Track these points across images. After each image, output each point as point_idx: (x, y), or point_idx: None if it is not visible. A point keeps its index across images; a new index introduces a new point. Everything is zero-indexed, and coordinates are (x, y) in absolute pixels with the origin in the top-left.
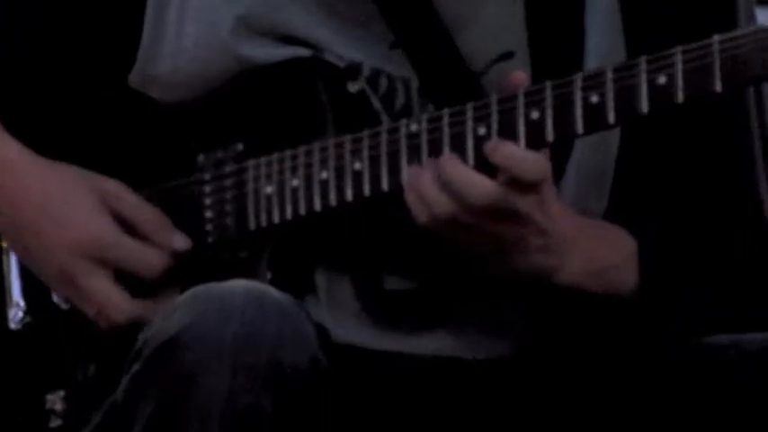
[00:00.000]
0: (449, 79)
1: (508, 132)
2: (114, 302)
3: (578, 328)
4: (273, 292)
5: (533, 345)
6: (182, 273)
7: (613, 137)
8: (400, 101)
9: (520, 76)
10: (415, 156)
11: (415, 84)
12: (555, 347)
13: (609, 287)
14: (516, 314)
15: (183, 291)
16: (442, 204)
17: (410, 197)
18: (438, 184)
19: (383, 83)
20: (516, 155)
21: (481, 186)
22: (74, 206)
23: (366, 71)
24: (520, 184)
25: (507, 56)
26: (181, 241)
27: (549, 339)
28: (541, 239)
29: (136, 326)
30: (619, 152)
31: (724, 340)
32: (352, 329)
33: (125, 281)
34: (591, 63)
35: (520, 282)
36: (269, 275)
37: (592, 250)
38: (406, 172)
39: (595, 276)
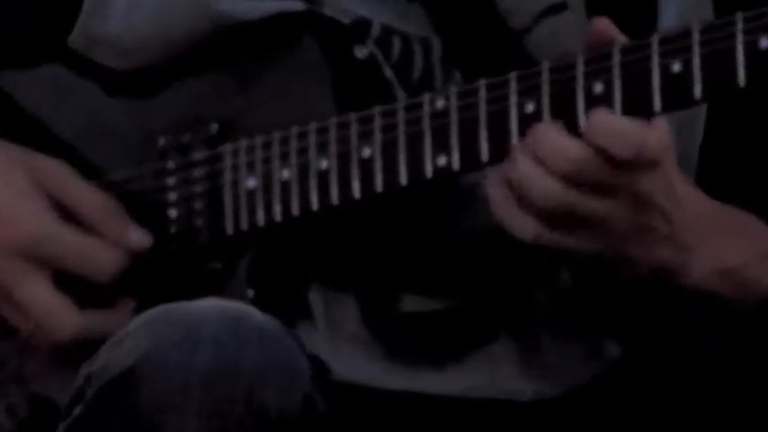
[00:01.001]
0: (481, 40)
1: (564, 110)
2: (55, 314)
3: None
4: (255, 314)
5: (593, 384)
6: (140, 282)
7: (699, 116)
8: (418, 69)
9: (604, 25)
10: (442, 140)
11: (437, 46)
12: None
13: (741, 290)
14: (573, 348)
15: (140, 310)
16: (554, 194)
17: (500, 196)
18: (540, 168)
19: (397, 45)
20: (616, 128)
21: (578, 154)
22: (1, 191)
23: (376, 30)
24: (629, 162)
25: (558, 8)
26: (138, 236)
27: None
28: (667, 228)
29: (82, 349)
30: (705, 135)
31: None
32: (356, 363)
33: (68, 288)
34: (667, 20)
35: (637, 287)
36: (250, 293)
37: (724, 244)
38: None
39: (727, 276)
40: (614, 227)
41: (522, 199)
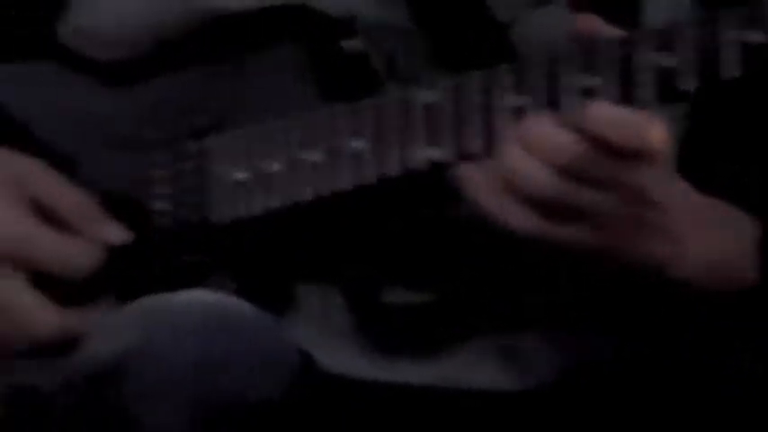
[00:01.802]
0: (468, 33)
1: (553, 104)
2: (33, 313)
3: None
4: (241, 305)
5: (572, 377)
6: (121, 277)
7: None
8: (406, 62)
9: (589, 20)
10: (433, 132)
11: (424, 39)
12: (599, 377)
13: (726, 283)
14: (551, 338)
15: (122, 303)
16: (549, 186)
17: (487, 187)
18: (535, 160)
19: (385, 39)
20: (612, 117)
21: (595, 154)
22: None
23: (363, 23)
24: (624, 153)
25: (543, 0)
26: (116, 233)
27: (600, 364)
28: (661, 220)
29: (62, 346)
30: (689, 127)
31: None
32: (343, 355)
33: (46, 286)
34: (653, 13)
35: (626, 278)
36: (235, 285)
37: (711, 237)
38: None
39: (713, 269)
40: (609, 219)
41: (514, 191)
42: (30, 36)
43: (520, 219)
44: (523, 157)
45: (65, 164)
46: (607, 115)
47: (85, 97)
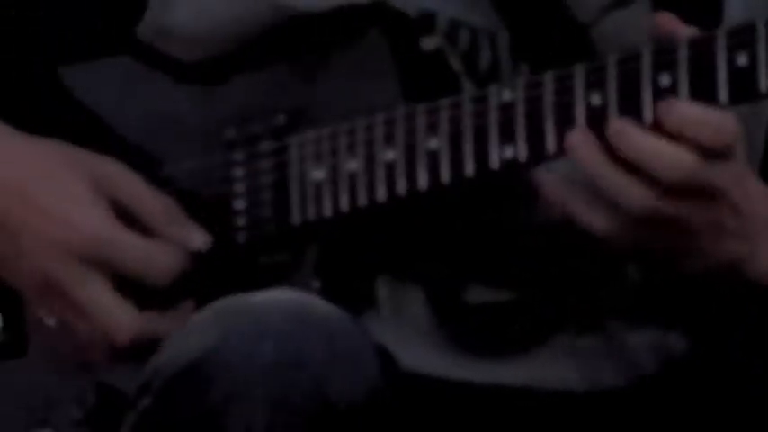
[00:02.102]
0: (548, 32)
1: (630, 103)
2: (116, 317)
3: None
4: (321, 305)
5: (659, 374)
6: (202, 280)
7: (766, 107)
8: (485, 61)
9: (667, 19)
10: (509, 132)
11: (504, 38)
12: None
13: None
14: (640, 337)
15: (203, 305)
16: (632, 193)
17: (570, 194)
18: (617, 165)
19: (464, 37)
20: (698, 116)
21: (676, 158)
22: (61, 195)
23: (443, 23)
24: (712, 153)
25: (625, 1)
26: (199, 238)
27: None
28: (736, 221)
29: (144, 349)
30: None
31: None
32: (423, 354)
33: (128, 290)
34: (733, 12)
35: (705, 279)
36: (317, 284)
37: None
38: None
39: None
40: (690, 223)
41: (602, 200)
42: (108, 35)
43: (602, 225)
44: (618, 173)
45: (144, 164)
46: (695, 115)
47: (164, 96)
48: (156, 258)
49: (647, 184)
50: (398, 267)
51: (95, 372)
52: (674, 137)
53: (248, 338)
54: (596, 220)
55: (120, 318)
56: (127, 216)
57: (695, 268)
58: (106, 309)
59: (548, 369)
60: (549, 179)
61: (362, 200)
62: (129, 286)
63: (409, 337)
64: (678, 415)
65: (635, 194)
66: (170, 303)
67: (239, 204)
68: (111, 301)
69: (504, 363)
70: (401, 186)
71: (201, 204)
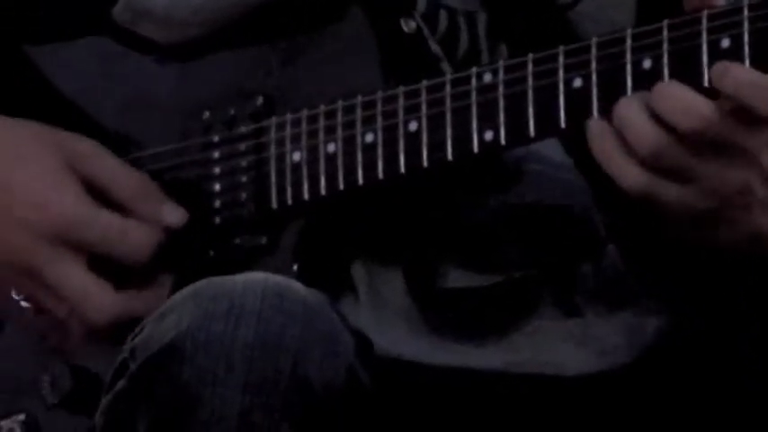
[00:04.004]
0: (527, 13)
1: (611, 86)
2: (92, 298)
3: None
4: (299, 288)
5: (638, 359)
6: (178, 262)
7: None
8: (464, 43)
9: None
10: (489, 115)
11: (482, 20)
12: (672, 361)
13: None
14: (617, 322)
15: (179, 285)
16: (672, 152)
17: (608, 143)
18: (660, 126)
19: (443, 19)
20: (753, 80)
21: (706, 111)
22: (31, 174)
23: (422, 4)
24: (751, 117)
25: None
26: (175, 214)
27: (669, 349)
28: (766, 191)
29: (121, 330)
30: None
31: None
32: (401, 338)
33: (103, 269)
34: None
35: (730, 254)
36: (295, 267)
37: None
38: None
39: None
40: (721, 184)
41: (634, 153)
42: (84, 16)
43: (636, 181)
44: (648, 124)
45: (121, 145)
46: (749, 78)
47: (141, 78)
48: (132, 236)
49: (679, 136)
50: (376, 252)
51: (71, 355)
52: (738, 99)
53: (225, 320)
54: (625, 176)
55: (97, 298)
56: (101, 194)
57: (722, 241)
58: (82, 290)
59: (524, 354)
60: (596, 125)
61: (341, 183)
62: (107, 265)
63: (386, 321)
64: (651, 402)
65: (666, 145)
66: (146, 284)
67: (217, 186)
68: (87, 281)
69: (480, 347)
70: (380, 169)
71: (178, 186)
